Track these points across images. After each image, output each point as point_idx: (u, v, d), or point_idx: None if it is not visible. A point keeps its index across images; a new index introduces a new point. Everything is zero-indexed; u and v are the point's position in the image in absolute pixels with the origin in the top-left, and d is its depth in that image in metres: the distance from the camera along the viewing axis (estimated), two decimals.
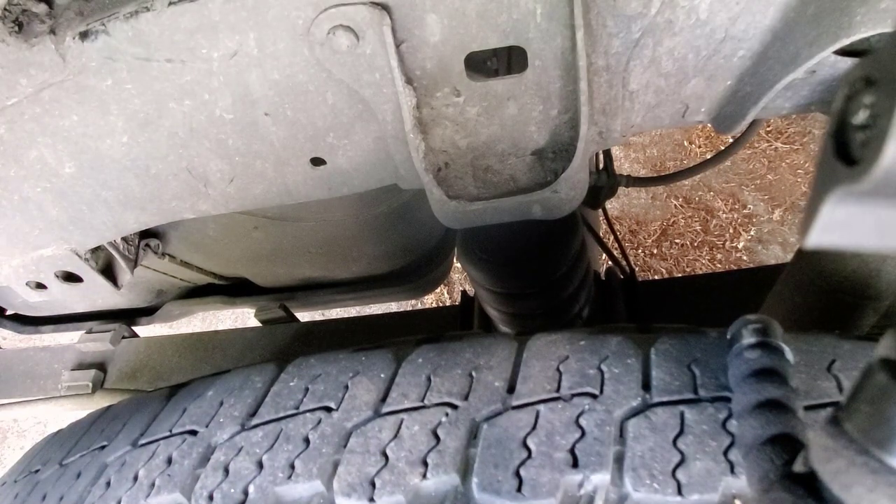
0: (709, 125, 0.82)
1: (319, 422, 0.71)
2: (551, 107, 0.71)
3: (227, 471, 0.70)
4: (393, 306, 2.68)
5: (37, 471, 0.92)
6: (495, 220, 0.80)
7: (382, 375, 0.75)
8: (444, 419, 0.66)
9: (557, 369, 0.68)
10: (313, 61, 0.64)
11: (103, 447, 0.86)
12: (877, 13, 0.56)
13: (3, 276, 0.92)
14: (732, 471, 0.55)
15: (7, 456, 3.35)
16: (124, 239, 1.03)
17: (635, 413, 0.61)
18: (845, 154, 0.30)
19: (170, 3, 0.60)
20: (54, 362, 1.61)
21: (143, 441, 0.81)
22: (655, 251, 3.13)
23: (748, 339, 0.59)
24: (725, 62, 0.68)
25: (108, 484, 0.77)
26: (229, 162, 0.76)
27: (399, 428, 0.67)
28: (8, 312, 1.42)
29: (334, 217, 1.28)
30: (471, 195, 0.78)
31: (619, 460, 0.58)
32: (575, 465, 0.58)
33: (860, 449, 0.36)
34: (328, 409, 0.72)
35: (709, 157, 1.49)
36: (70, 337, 1.60)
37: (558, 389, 0.66)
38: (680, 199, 3.25)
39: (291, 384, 0.79)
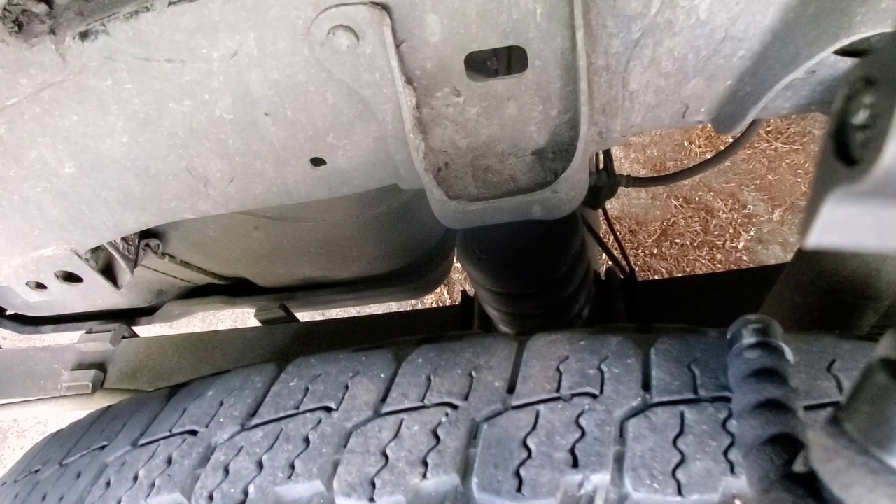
0: (709, 125, 0.82)
1: (319, 422, 0.71)
2: (551, 107, 0.71)
3: (227, 471, 0.70)
4: (393, 306, 2.68)
5: (37, 471, 0.92)
6: (495, 220, 0.80)
7: (382, 375, 0.75)
8: (444, 419, 0.66)
9: (557, 369, 0.68)
10: (313, 61, 0.64)
11: (103, 447, 0.86)
12: (877, 13, 0.56)
13: (3, 276, 0.92)
14: (732, 471, 0.55)
15: (7, 456, 3.35)
16: (124, 239, 1.03)
17: (635, 413, 0.61)
18: (845, 154, 0.30)
19: (170, 3, 0.60)
20: (54, 362, 1.61)
21: (143, 441, 0.81)
22: (655, 251, 3.13)
23: (748, 339, 0.59)
24: (725, 62, 0.68)
25: (108, 484, 0.77)
26: (229, 162, 0.76)
27: (399, 428, 0.67)
28: (8, 312, 1.42)
29: (334, 217, 1.28)
30: (471, 195, 0.78)
31: (619, 460, 0.58)
32: (575, 465, 0.58)
33: (860, 449, 0.36)
34: (328, 409, 0.72)
35: (709, 157, 1.49)
36: (70, 337, 1.60)
37: (558, 389, 0.66)
38: (680, 199, 3.25)
39: (291, 384, 0.79)
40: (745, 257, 3.02)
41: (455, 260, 1.43)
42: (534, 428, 0.62)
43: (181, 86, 0.66)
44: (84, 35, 0.62)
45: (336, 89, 0.68)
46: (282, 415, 0.74)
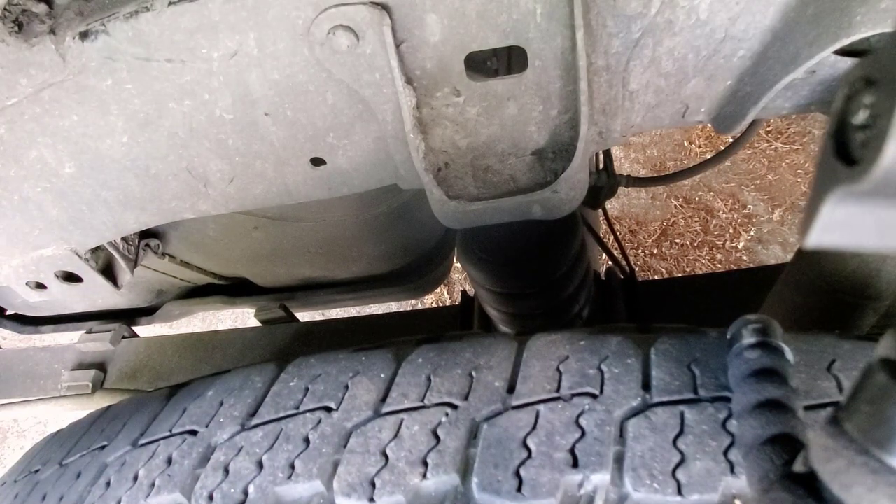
0: (709, 125, 0.82)
1: (319, 422, 0.71)
2: (551, 107, 0.71)
3: (227, 471, 0.70)
4: (393, 306, 2.68)
5: (37, 471, 0.92)
6: (495, 220, 0.80)
7: (382, 375, 0.75)
8: (444, 419, 0.66)
9: (557, 369, 0.68)
10: (313, 61, 0.64)
11: (103, 447, 0.86)
12: (877, 13, 0.56)
13: (3, 276, 0.92)
14: (732, 471, 0.55)
15: (7, 456, 3.35)
16: (124, 239, 1.03)
17: (635, 413, 0.61)
18: (845, 154, 0.30)
19: (170, 3, 0.60)
20: (54, 362, 1.61)
21: (143, 441, 0.81)
22: (655, 251, 3.13)
23: (748, 339, 0.59)
24: (725, 62, 0.68)
25: (108, 484, 0.77)
26: (229, 162, 0.76)
27: (399, 428, 0.67)
28: (8, 312, 1.42)
29: (334, 217, 1.28)
30: (471, 195, 0.78)
31: (619, 460, 0.58)
32: (575, 465, 0.58)
33: (860, 449, 0.36)
34: (328, 409, 0.72)
35: (709, 157, 1.49)
36: (70, 337, 1.60)
37: (558, 389, 0.66)
38: (680, 199, 3.25)
39: (291, 384, 0.79)
40: (745, 257, 3.02)
41: (455, 260, 1.43)
42: (534, 428, 0.62)
43: (181, 86, 0.66)
44: (84, 35, 0.62)
45: (336, 89, 0.68)
46: (282, 415, 0.74)
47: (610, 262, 1.62)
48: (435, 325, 1.52)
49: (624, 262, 1.59)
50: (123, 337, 1.56)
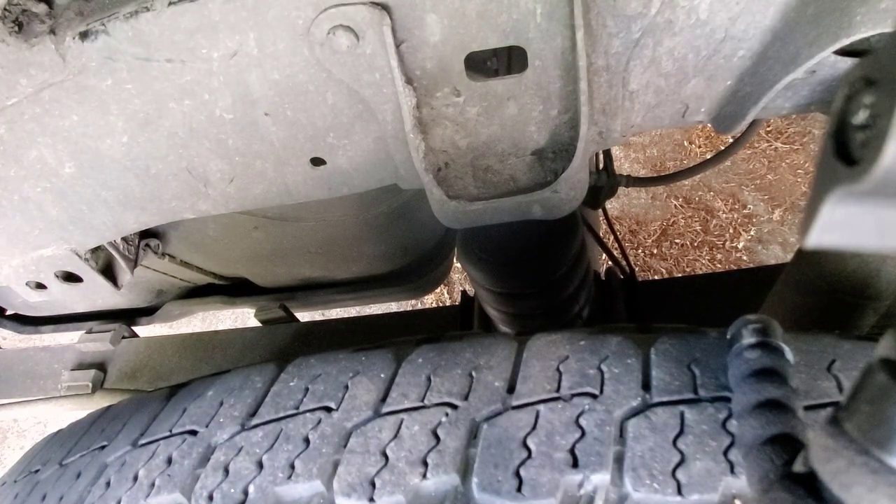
0: (709, 125, 0.82)
1: (319, 422, 0.71)
2: (551, 107, 0.71)
3: (227, 471, 0.70)
4: (393, 306, 2.68)
5: (37, 471, 0.92)
6: (495, 220, 0.80)
7: (382, 375, 0.75)
8: (444, 419, 0.66)
9: (557, 369, 0.68)
10: (313, 61, 0.64)
11: (103, 447, 0.86)
12: (877, 13, 0.56)
13: (3, 276, 0.92)
14: (732, 471, 0.55)
15: (7, 456, 3.35)
16: (124, 239, 1.03)
17: (635, 413, 0.61)
18: (845, 154, 0.30)
19: (170, 3, 0.60)
20: (54, 362, 1.61)
21: (143, 441, 0.81)
22: (655, 251, 3.13)
23: (748, 339, 0.59)
24: (725, 62, 0.68)
25: (108, 484, 0.77)
26: (229, 162, 0.76)
27: (399, 428, 0.67)
28: (8, 312, 1.42)
29: (334, 217, 1.28)
30: (471, 195, 0.78)
31: (619, 460, 0.58)
32: (575, 465, 0.58)
33: (860, 449, 0.36)
34: (328, 409, 0.72)
35: (709, 157, 1.49)
36: (70, 337, 1.60)
37: (558, 389, 0.66)
38: (680, 199, 3.25)
39: (291, 384, 0.79)
40: (745, 257, 3.02)
41: (455, 260, 1.43)
42: (534, 428, 0.62)
43: (181, 86, 0.66)
44: (84, 35, 0.62)
45: (336, 89, 0.68)
46: (282, 415, 0.74)
47: (610, 262, 1.62)
48: (435, 325, 1.52)
49: (624, 262, 1.59)
50: (123, 337, 1.56)
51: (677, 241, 3.13)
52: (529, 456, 0.60)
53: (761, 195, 3.19)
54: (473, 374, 0.71)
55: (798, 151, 3.31)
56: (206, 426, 0.77)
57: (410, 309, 2.15)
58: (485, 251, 1.17)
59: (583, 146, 0.71)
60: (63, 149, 0.72)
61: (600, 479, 0.57)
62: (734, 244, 3.05)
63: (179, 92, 0.67)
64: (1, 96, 0.65)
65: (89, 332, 1.55)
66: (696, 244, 3.10)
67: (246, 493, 0.67)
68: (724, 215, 3.15)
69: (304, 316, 1.66)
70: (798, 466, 0.44)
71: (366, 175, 0.79)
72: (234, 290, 1.55)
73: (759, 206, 3.16)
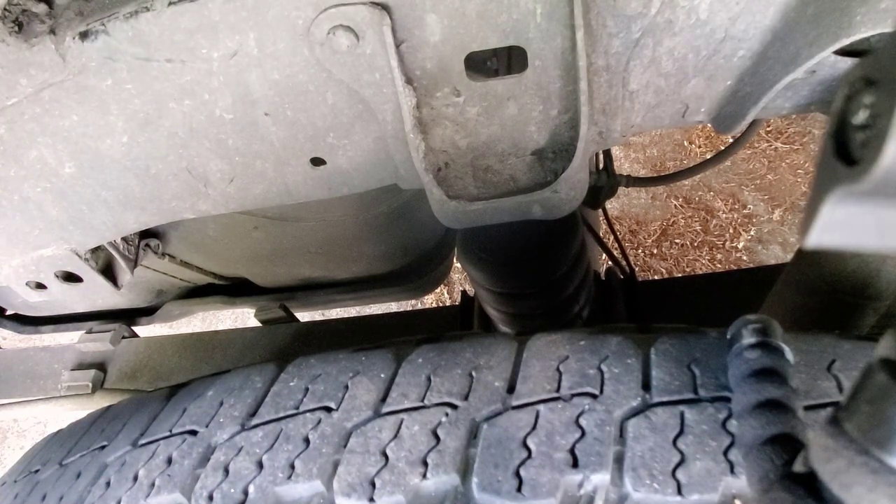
0: (709, 125, 0.82)
1: (319, 422, 0.71)
2: (551, 107, 0.71)
3: (227, 471, 0.70)
4: (393, 306, 2.68)
5: (37, 471, 0.92)
6: (495, 220, 0.80)
7: (382, 375, 0.75)
8: (444, 419, 0.66)
9: (557, 369, 0.68)
10: (313, 61, 0.64)
11: (103, 447, 0.86)
12: (877, 13, 0.56)
13: (3, 276, 0.92)
14: (732, 471, 0.55)
15: (7, 456, 3.35)
16: (124, 239, 1.03)
17: (635, 413, 0.61)
18: (845, 154, 0.30)
19: (170, 3, 0.60)
20: (54, 362, 1.61)
21: (143, 441, 0.81)
22: (655, 251, 3.13)
23: (748, 339, 0.59)
24: (725, 62, 0.68)
25: (108, 484, 0.77)
26: (229, 162, 0.76)
27: (399, 428, 0.67)
28: (8, 312, 1.42)
29: (334, 217, 1.28)
30: (471, 195, 0.78)
31: (619, 460, 0.58)
32: (575, 465, 0.58)
33: (860, 449, 0.36)
34: (328, 409, 0.72)
35: (709, 157, 1.49)
36: (70, 337, 1.60)
37: (558, 389, 0.66)
38: (680, 199, 3.25)
39: (291, 384, 0.79)
40: (745, 257, 3.02)
41: (455, 260, 1.43)
42: (534, 428, 0.62)
43: (181, 86, 0.66)
44: (84, 35, 0.62)
45: (336, 89, 0.68)
46: (282, 415, 0.74)
47: (610, 262, 1.62)
48: (435, 325, 1.52)
49: (624, 262, 1.59)
50: (123, 337, 1.56)
51: (677, 241, 3.13)
52: (529, 456, 0.60)
53: (761, 195, 3.19)
54: (473, 374, 0.71)
55: (798, 151, 3.31)
56: (206, 426, 0.77)
57: (410, 309, 2.15)
58: (485, 251, 1.17)
59: (583, 146, 0.71)
60: (63, 149, 0.72)
61: (600, 479, 0.57)
62: (734, 244, 3.05)
63: (179, 92, 0.67)
64: (1, 96, 0.65)
65: (89, 332, 1.55)
66: (696, 244, 3.10)
67: (246, 493, 0.67)
68: (724, 215, 3.15)
69: (304, 316, 1.66)
70: (798, 466, 0.44)
71: (366, 175, 0.79)
72: (234, 290, 1.55)
73: (759, 206, 3.16)
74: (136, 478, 0.75)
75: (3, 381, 1.63)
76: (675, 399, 0.61)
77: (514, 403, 0.66)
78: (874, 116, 0.28)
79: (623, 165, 3.47)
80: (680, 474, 0.55)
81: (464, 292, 1.58)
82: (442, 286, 3.17)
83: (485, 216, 0.79)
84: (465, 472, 0.61)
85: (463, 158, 0.77)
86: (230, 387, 0.82)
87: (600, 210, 1.60)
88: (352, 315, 2.71)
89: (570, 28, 0.63)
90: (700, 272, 3.00)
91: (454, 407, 0.67)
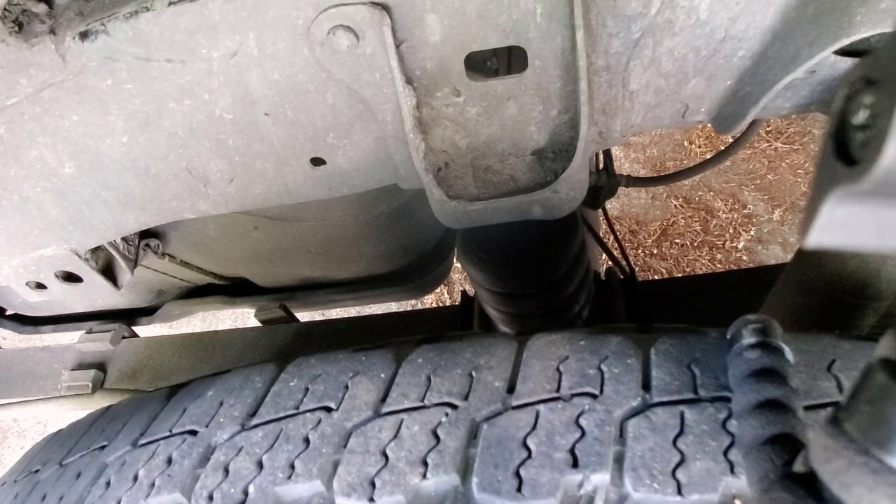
0: (709, 125, 0.82)
1: (319, 422, 0.71)
2: (551, 107, 0.71)
3: (227, 471, 0.70)
4: (393, 306, 2.68)
5: (37, 471, 0.92)
6: (495, 220, 0.80)
7: (382, 375, 0.75)
8: (444, 419, 0.66)
9: (557, 369, 0.68)
10: (313, 61, 0.64)
11: (103, 447, 0.86)
12: (877, 13, 0.56)
13: (3, 276, 0.92)
14: (732, 471, 0.55)
15: (7, 456, 3.35)
16: (124, 239, 1.03)
17: (635, 413, 0.61)
18: (845, 154, 0.30)
19: (170, 3, 0.60)
20: (54, 362, 1.61)
21: (143, 441, 0.81)
22: (655, 251, 3.13)
23: (748, 339, 0.59)
24: (725, 62, 0.68)
25: (108, 484, 0.77)
26: (229, 162, 0.76)
27: (399, 428, 0.67)
28: (8, 312, 1.42)
29: (334, 217, 1.28)
30: (471, 195, 0.78)
31: (619, 460, 0.58)
32: (575, 465, 0.58)
33: (860, 449, 0.36)
34: (328, 409, 0.72)
35: (709, 157, 1.49)
36: (70, 337, 1.60)
37: (558, 389, 0.66)
38: (680, 199, 3.25)
39: (291, 384, 0.79)
40: (745, 257, 3.02)
41: (455, 260, 1.43)
42: (534, 428, 0.62)
43: (181, 86, 0.66)
44: (84, 35, 0.62)
45: (336, 89, 0.68)
46: (282, 415, 0.74)
47: (610, 262, 1.62)
48: (435, 325, 1.52)
49: (624, 262, 1.59)
50: (123, 337, 1.56)
51: (677, 241, 3.13)
52: (529, 456, 0.60)
53: (761, 195, 3.19)
54: (473, 374, 0.71)
55: (798, 151, 3.31)
56: (206, 426, 0.77)
57: (410, 309, 2.15)
58: (485, 251, 1.17)
59: (583, 146, 0.71)
60: (63, 149, 0.72)
61: (600, 479, 0.57)
62: (734, 244, 3.05)
63: (179, 92, 0.67)
64: (1, 96, 0.65)
65: (89, 332, 1.55)
66: (696, 244, 3.10)
67: (246, 493, 0.67)
68: (724, 215, 3.15)
69: (304, 316, 1.66)
70: (798, 466, 0.44)
71: (366, 175, 0.79)
72: (234, 290, 1.55)
73: (759, 206, 3.16)
74: (136, 478, 0.75)
75: (3, 381, 1.63)
76: (675, 399, 0.61)
77: (514, 403, 0.66)
78: (874, 116, 0.28)
79: (623, 165, 3.47)
80: (680, 474, 0.55)
81: (464, 292, 1.58)
82: (442, 286, 3.17)
83: (485, 216, 0.79)
84: (465, 472, 0.61)
85: (463, 158, 0.77)
86: (230, 387, 0.82)
87: (600, 210, 1.60)
88: (352, 315, 2.71)
89: (570, 28, 0.63)
90: (700, 272, 3.00)
91: (454, 407, 0.67)
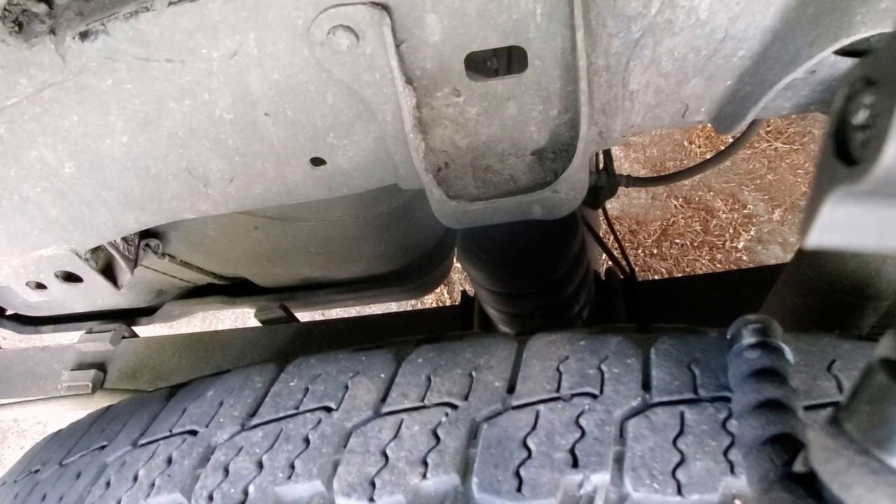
0: (709, 125, 0.82)
1: (319, 422, 0.71)
2: (551, 107, 0.71)
3: (227, 471, 0.70)
4: (393, 306, 2.68)
5: (37, 471, 0.92)
6: (495, 220, 0.80)
7: (382, 375, 0.75)
8: (444, 419, 0.66)
9: (557, 369, 0.68)
10: (313, 61, 0.64)
11: (103, 447, 0.86)
12: (877, 13, 0.56)
13: (3, 276, 0.92)
14: (732, 471, 0.55)
15: (7, 456, 3.35)
16: (124, 239, 1.03)
17: (635, 413, 0.61)
18: (845, 154, 0.30)
19: (170, 3, 0.60)
20: (54, 362, 1.61)
21: (143, 441, 0.81)
22: (655, 251, 3.13)
23: (748, 339, 0.59)
24: (725, 62, 0.68)
25: (108, 484, 0.77)
26: (229, 162, 0.76)
27: (399, 428, 0.67)
28: (8, 312, 1.42)
29: (334, 217, 1.28)
30: (471, 195, 0.78)
31: (619, 460, 0.58)
32: (575, 465, 0.58)
33: (860, 449, 0.36)
34: (328, 409, 0.72)
35: (709, 157, 1.49)
36: (70, 337, 1.60)
37: (558, 389, 0.66)
38: (680, 199, 3.25)
39: (291, 384, 0.79)
40: (745, 257, 3.02)
41: (455, 260, 1.43)
42: (534, 428, 0.62)
43: (181, 86, 0.66)
44: (84, 35, 0.62)
45: (336, 89, 0.68)
46: (282, 415, 0.74)
47: (610, 262, 1.62)
48: (435, 325, 1.52)
49: (624, 262, 1.59)
50: (123, 337, 1.56)
51: (677, 241, 3.13)
52: (529, 456, 0.60)
53: (761, 195, 3.19)
54: (473, 374, 0.71)
55: (798, 151, 3.31)
56: (206, 426, 0.77)
57: (410, 309, 2.15)
58: (485, 251, 1.17)
59: (583, 146, 0.71)
60: (63, 149, 0.72)
61: (600, 479, 0.57)
62: (734, 244, 3.05)
63: (179, 92, 0.67)
64: (1, 96, 0.65)
65: (89, 332, 1.55)
66: (696, 244, 3.10)
67: (246, 493, 0.67)
68: (724, 215, 3.15)
69: (304, 316, 1.66)
70: (798, 466, 0.44)
71: (366, 175, 0.79)
72: (234, 290, 1.55)
73: (759, 206, 3.16)
74: (136, 478, 0.75)
75: (3, 381, 1.63)
76: (675, 399, 0.61)
77: (514, 403, 0.66)
78: (874, 116, 0.28)
79: (623, 165, 3.47)
80: (680, 474, 0.55)
81: (464, 292, 1.58)
82: (442, 286, 3.17)
83: (485, 216, 0.79)
84: (465, 472, 0.61)
85: (463, 158, 0.77)
86: (230, 387, 0.82)
87: (600, 210, 1.60)
88: (352, 315, 2.71)
89: (570, 28, 0.63)
90: (700, 272, 3.00)
91: (454, 407, 0.67)
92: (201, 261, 1.40)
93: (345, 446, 0.67)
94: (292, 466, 0.67)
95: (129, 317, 1.56)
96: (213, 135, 0.72)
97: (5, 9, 0.60)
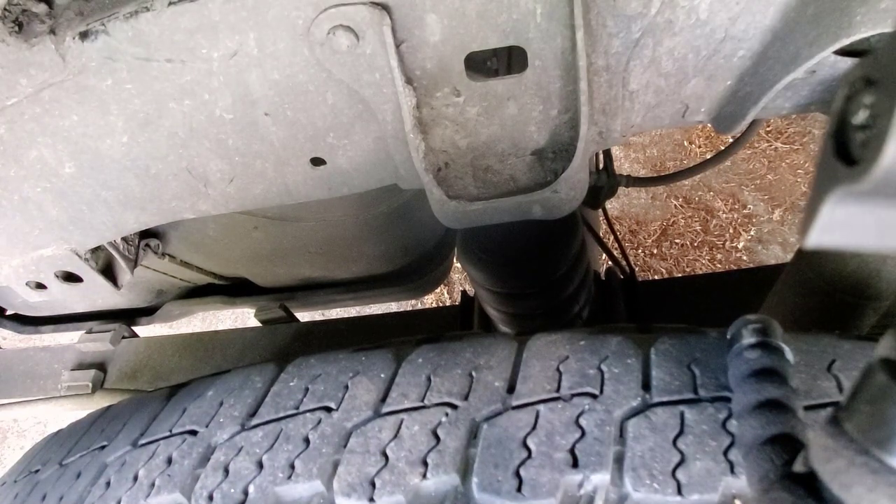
0: (709, 125, 0.82)
1: (319, 422, 0.71)
2: (551, 107, 0.71)
3: (227, 471, 0.70)
4: (393, 306, 2.68)
5: (37, 471, 0.92)
6: (495, 220, 0.80)
7: (382, 375, 0.75)
8: (444, 419, 0.66)
9: (557, 369, 0.68)
10: (313, 61, 0.64)
11: (103, 447, 0.86)
12: (877, 13, 0.56)
13: (3, 276, 0.92)
14: (732, 471, 0.55)
15: (7, 456, 3.35)
16: (124, 239, 1.03)
17: (635, 413, 0.61)
18: (845, 154, 0.30)
19: (170, 3, 0.60)
20: (54, 362, 1.61)
21: (143, 441, 0.81)
22: (655, 251, 3.13)
23: (748, 339, 0.59)
24: (725, 62, 0.68)
25: (108, 484, 0.77)
26: (229, 162, 0.76)
27: (399, 428, 0.67)
28: (8, 312, 1.42)
29: (334, 217, 1.28)
30: (471, 195, 0.78)
31: (619, 460, 0.58)
32: (575, 465, 0.58)
33: (860, 449, 0.36)
34: (328, 409, 0.72)
35: (709, 157, 1.49)
36: (70, 337, 1.60)
37: (558, 389, 0.66)
38: (680, 199, 3.25)
39: (291, 384, 0.79)
40: (745, 257, 3.02)
41: (455, 260, 1.43)
42: (534, 428, 0.62)
43: (181, 86, 0.66)
44: (84, 35, 0.62)
45: (336, 89, 0.68)
46: (282, 415, 0.74)
47: (610, 262, 1.62)
48: (435, 325, 1.52)
49: (624, 262, 1.59)
50: (123, 337, 1.56)
51: (677, 241, 3.13)
52: (529, 456, 0.60)
53: (761, 195, 3.19)
54: (473, 374, 0.71)
55: (798, 151, 3.31)
56: (206, 426, 0.77)
57: (410, 309, 2.15)
58: (485, 251, 1.17)
59: (583, 146, 0.71)
60: (63, 149, 0.72)
61: (600, 479, 0.57)
62: (734, 244, 3.05)
63: (179, 92, 0.67)
64: (1, 96, 0.65)
65: (89, 332, 1.55)
66: (696, 244, 3.10)
67: (246, 493, 0.67)
68: (724, 215, 3.15)
69: (304, 316, 1.66)
70: (798, 466, 0.44)
71: (366, 175, 0.79)
72: (234, 290, 1.55)
73: (759, 206, 3.16)
74: (136, 478, 0.75)
75: (3, 381, 1.63)
76: (675, 399, 0.61)
77: (514, 403, 0.66)
78: (874, 116, 0.28)
79: (623, 165, 3.47)
80: (680, 474, 0.55)
81: (464, 292, 1.58)
82: (442, 286, 3.17)
83: (485, 216, 0.79)
84: (465, 472, 0.61)
85: (463, 158, 0.77)
86: (230, 387, 0.82)
87: (600, 210, 1.60)
88: (352, 315, 2.71)
89: (570, 28, 0.63)
90: (700, 272, 3.00)
91: (454, 407, 0.67)
92: (201, 261, 1.40)
93: (345, 446, 0.67)
94: (292, 466, 0.67)
95: (129, 317, 1.56)
96: (213, 135, 0.72)
97: (5, 9, 0.60)
